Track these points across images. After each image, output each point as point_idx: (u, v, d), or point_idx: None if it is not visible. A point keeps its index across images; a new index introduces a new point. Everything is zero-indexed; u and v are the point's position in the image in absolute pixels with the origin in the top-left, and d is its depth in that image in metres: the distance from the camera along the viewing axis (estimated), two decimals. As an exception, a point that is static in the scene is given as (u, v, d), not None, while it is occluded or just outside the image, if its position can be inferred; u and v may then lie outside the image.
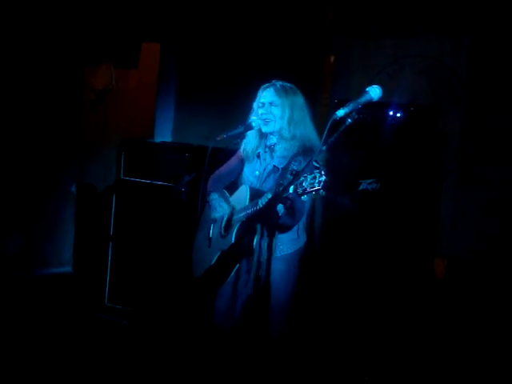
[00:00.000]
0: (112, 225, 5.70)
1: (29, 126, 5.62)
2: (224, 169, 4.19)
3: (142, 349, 5.12)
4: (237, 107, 6.24)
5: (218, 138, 3.96)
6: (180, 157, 5.39)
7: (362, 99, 3.44)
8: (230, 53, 6.55)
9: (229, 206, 3.99)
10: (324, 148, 3.38)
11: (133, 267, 5.60)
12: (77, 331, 5.35)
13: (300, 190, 3.23)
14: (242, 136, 4.02)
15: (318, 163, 3.47)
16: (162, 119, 6.50)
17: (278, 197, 3.38)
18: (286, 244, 3.91)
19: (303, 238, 4.01)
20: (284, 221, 3.67)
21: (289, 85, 3.99)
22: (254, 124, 3.95)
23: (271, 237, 3.40)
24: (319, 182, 3.20)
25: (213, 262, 3.90)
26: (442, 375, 4.92)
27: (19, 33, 5.45)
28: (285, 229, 3.81)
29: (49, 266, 5.92)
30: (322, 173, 3.20)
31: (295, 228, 3.90)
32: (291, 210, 3.62)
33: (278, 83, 3.96)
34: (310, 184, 3.21)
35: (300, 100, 3.97)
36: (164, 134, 6.44)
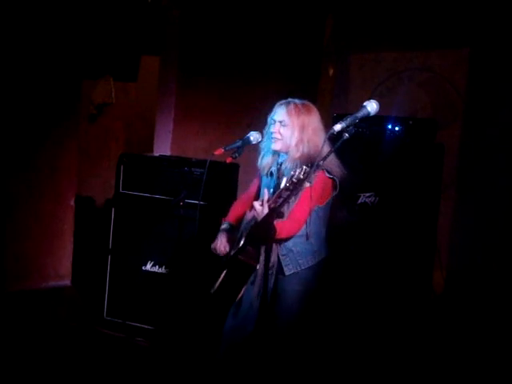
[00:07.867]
0: (111, 238, 5.69)
1: (27, 139, 5.62)
2: (246, 195, 4.19)
3: (147, 364, 5.10)
4: (236, 121, 6.29)
5: (216, 152, 3.98)
6: (179, 170, 5.41)
7: (360, 114, 3.47)
8: (229, 67, 6.57)
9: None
10: (321, 163, 3.39)
11: (132, 281, 5.59)
12: (75, 345, 5.34)
13: (295, 180, 3.23)
14: (239, 150, 4.04)
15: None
16: (162, 132, 6.51)
17: (273, 210, 3.35)
18: (305, 257, 3.85)
19: (324, 251, 3.94)
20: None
21: (303, 102, 3.89)
22: (251, 138, 3.95)
23: (275, 251, 3.35)
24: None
25: (221, 278, 3.86)
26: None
27: (17, 45, 5.46)
28: (289, 236, 3.77)
29: (47, 279, 5.91)
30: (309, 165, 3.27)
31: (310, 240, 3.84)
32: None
33: (293, 101, 3.87)
34: (302, 174, 3.22)
35: (313, 120, 3.86)
36: (163, 147, 6.45)
